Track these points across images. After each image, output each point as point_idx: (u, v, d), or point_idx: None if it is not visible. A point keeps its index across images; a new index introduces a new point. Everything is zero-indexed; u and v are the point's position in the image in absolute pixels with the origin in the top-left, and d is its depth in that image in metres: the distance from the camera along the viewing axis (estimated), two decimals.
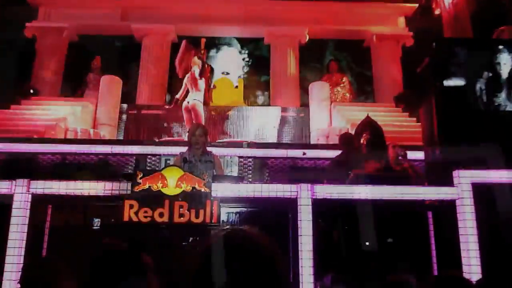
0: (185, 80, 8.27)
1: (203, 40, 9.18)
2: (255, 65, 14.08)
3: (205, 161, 4.20)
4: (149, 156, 6.44)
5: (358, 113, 9.57)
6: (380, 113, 9.21)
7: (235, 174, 6.06)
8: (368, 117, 5.33)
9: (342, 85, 11.43)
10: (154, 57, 12.15)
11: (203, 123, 7.89)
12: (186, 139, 4.33)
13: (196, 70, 8.08)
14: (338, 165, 4.71)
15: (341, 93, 11.39)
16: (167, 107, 8.89)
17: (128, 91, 11.71)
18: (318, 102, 10.31)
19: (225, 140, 9.39)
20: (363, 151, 4.78)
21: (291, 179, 4.78)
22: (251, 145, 6.86)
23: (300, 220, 3.23)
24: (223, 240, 1.05)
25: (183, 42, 9.01)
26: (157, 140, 7.59)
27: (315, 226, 3.23)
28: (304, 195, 3.29)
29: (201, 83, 8.16)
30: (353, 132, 5.42)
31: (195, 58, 8.25)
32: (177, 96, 8.36)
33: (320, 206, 3.34)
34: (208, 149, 4.34)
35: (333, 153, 6.36)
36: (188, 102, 8.08)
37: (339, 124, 9.56)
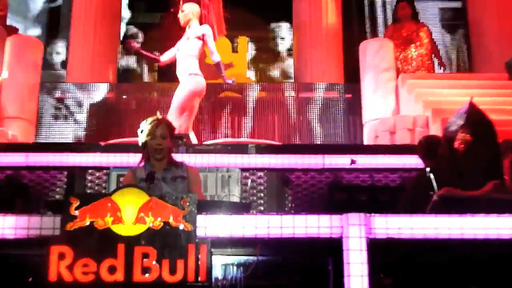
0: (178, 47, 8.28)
1: None
2: (267, 15, 14.13)
3: (173, 179, 4.25)
4: (90, 170, 6.46)
5: (445, 91, 9.56)
6: (483, 91, 9.16)
7: (236, 198, 6.05)
8: (471, 103, 5.29)
9: (418, 43, 11.35)
10: (100, 4, 12.23)
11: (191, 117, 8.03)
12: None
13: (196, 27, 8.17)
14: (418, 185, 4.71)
15: (416, 59, 11.34)
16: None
17: (52, 62, 11.81)
18: (375, 75, 10.31)
19: (218, 141, 9.38)
20: (459, 161, 4.78)
21: (330, 206, 4.76)
22: (262, 148, 6.84)
23: (348, 276, 3.23)
24: None
25: None
26: (103, 144, 7.59)
27: (374, 285, 3.23)
28: (354, 233, 3.29)
29: (196, 44, 8.19)
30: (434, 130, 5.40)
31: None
32: (164, 58, 8.42)
33: (382, 252, 3.33)
34: (178, 157, 4.42)
35: (403, 160, 6.36)
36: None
37: (412, 110, 9.54)
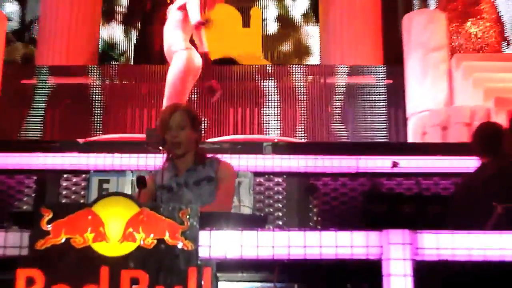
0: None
1: None
2: None
3: (197, 182, 4.22)
4: (65, 175, 6.51)
5: (510, 76, 9.49)
6: None
7: (247, 209, 6.06)
8: None
9: (479, 16, 11.28)
10: None
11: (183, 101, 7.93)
12: (149, 136, 4.41)
13: None
14: (470, 190, 4.68)
15: (476, 35, 11.28)
16: None
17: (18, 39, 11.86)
18: (423, 55, 10.29)
19: (225, 138, 9.38)
20: None
21: (366, 221, 4.75)
22: (280, 147, 6.83)
23: None
24: None
25: None
26: (81, 142, 7.60)
27: None
28: (396, 254, 3.27)
29: (177, 15, 8.17)
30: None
31: None
32: None
33: (431, 277, 3.33)
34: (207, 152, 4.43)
35: (459, 163, 6.32)
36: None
37: (469, 100, 9.50)
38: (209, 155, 4.39)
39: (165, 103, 7.82)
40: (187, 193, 4.18)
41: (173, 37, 8.03)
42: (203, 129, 4.51)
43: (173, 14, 8.15)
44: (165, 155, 4.37)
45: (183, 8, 8.14)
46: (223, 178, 4.26)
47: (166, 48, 8.12)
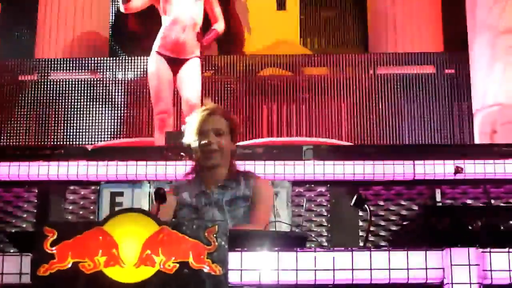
0: None
1: None
2: None
3: (231, 201, 4.20)
4: (72, 187, 6.55)
5: None
6: None
7: (284, 225, 6.06)
8: None
9: None
10: None
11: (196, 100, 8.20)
12: (171, 140, 4.39)
13: None
14: None
15: None
16: None
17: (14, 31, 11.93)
18: (491, 40, 10.21)
19: (258, 141, 9.42)
20: None
21: (426, 237, 4.73)
22: (323, 151, 6.82)
23: None
24: None
25: None
26: (90, 148, 7.66)
27: None
28: (461, 277, 3.26)
29: (201, 8, 8.38)
30: None
31: None
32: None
33: None
34: (242, 164, 4.49)
35: None
36: (164, 48, 8.34)
37: None
38: (242, 170, 4.36)
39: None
40: (216, 214, 4.14)
41: (196, 35, 8.26)
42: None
43: (197, 4, 8.31)
44: (191, 166, 4.34)
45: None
46: (261, 198, 4.24)
47: (184, 43, 8.33)
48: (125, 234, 3.28)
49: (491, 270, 3.30)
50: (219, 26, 8.52)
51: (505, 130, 9.05)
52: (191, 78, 8.39)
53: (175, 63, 8.33)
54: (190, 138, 4.24)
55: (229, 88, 10.63)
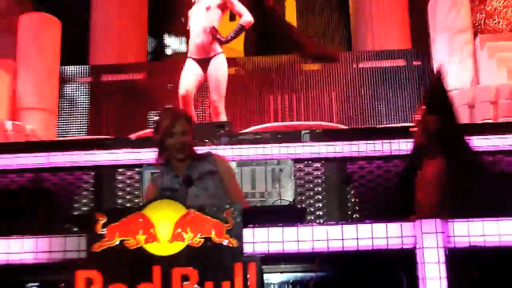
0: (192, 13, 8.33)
1: None
2: None
3: (200, 176, 4.11)
4: (120, 169, 6.55)
5: None
6: None
7: (289, 196, 6.01)
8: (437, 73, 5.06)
9: None
10: None
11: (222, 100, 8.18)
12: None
13: None
14: None
15: (499, 14, 11.14)
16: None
17: (72, 42, 11.96)
18: (449, 37, 10.13)
19: (264, 126, 9.33)
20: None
21: (402, 203, 4.67)
22: (317, 134, 6.77)
23: None
24: None
25: None
26: (133, 138, 7.60)
27: None
28: (429, 242, 3.24)
29: (219, 15, 8.28)
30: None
31: None
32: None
33: (465, 263, 3.31)
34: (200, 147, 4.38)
35: (489, 142, 6.22)
36: (193, 53, 8.32)
37: (493, 78, 9.34)
38: (201, 152, 4.28)
39: (221, 102, 8.13)
40: (192, 188, 4.00)
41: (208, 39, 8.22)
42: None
43: (215, 11, 8.23)
44: (159, 156, 4.26)
45: (222, 6, 8.24)
46: (226, 173, 4.18)
47: (205, 46, 8.20)
48: (160, 217, 3.28)
49: (454, 236, 3.28)
50: (244, 19, 8.36)
51: (461, 110, 8.99)
52: (215, 74, 8.31)
53: (203, 62, 8.25)
54: (162, 137, 4.13)
55: (242, 83, 10.59)
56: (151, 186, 4.27)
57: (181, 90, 8.26)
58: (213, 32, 8.21)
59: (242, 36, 11.35)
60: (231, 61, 10.89)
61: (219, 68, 8.29)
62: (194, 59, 8.30)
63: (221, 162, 4.22)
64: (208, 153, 4.29)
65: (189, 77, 8.30)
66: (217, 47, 8.28)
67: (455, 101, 5.23)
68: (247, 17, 8.35)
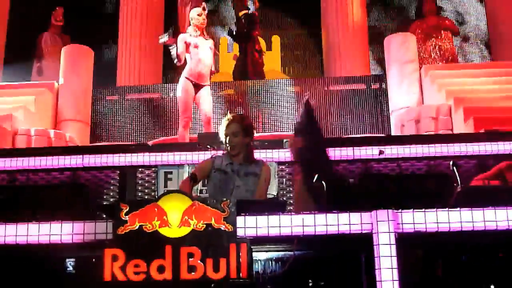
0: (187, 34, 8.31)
1: None
2: (296, 14, 14.06)
3: (246, 174, 4.28)
4: (140, 169, 6.53)
5: (468, 80, 9.39)
6: (505, 78, 8.96)
7: (273, 192, 6.02)
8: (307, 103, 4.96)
9: (440, 36, 11.22)
10: (140, 10, 12.33)
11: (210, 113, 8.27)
12: (200, 138, 4.47)
13: None
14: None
15: (439, 50, 11.20)
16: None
17: (103, 67, 12.01)
18: (399, 66, 10.19)
19: (256, 135, 9.35)
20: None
21: (361, 195, 4.69)
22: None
23: (379, 269, 3.20)
24: None
25: None
26: (151, 144, 7.64)
27: (404, 276, 3.20)
28: (383, 228, 3.25)
29: (212, 54, 8.30)
30: None
31: None
32: (179, 52, 8.30)
33: (411, 245, 3.33)
34: (257, 155, 4.49)
35: (430, 149, 6.25)
36: (191, 76, 8.26)
37: (434, 99, 9.40)
38: (255, 158, 4.44)
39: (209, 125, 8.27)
40: (237, 179, 4.23)
41: (208, 72, 8.21)
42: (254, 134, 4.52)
43: (210, 51, 8.24)
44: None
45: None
46: (264, 177, 4.34)
47: (204, 75, 8.31)
48: (171, 207, 3.30)
49: (402, 223, 3.30)
50: (214, 67, 8.65)
51: (409, 124, 9.04)
52: (207, 98, 8.34)
53: (197, 87, 8.23)
54: (221, 137, 4.34)
55: (236, 101, 10.60)
56: (209, 160, 4.46)
57: (187, 113, 8.26)
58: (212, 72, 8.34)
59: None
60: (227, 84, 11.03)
61: (210, 94, 8.43)
62: (191, 81, 8.24)
63: (265, 170, 4.37)
64: (261, 160, 4.47)
65: (190, 101, 8.29)
66: (209, 78, 8.36)
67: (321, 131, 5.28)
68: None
